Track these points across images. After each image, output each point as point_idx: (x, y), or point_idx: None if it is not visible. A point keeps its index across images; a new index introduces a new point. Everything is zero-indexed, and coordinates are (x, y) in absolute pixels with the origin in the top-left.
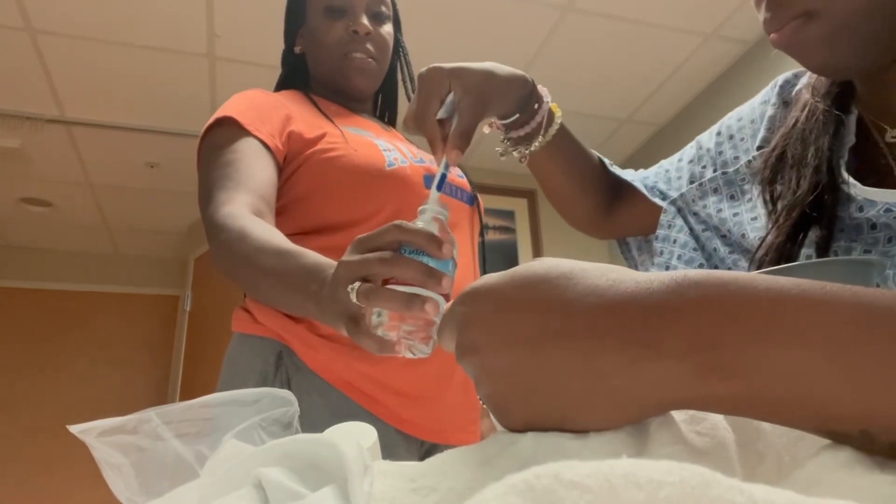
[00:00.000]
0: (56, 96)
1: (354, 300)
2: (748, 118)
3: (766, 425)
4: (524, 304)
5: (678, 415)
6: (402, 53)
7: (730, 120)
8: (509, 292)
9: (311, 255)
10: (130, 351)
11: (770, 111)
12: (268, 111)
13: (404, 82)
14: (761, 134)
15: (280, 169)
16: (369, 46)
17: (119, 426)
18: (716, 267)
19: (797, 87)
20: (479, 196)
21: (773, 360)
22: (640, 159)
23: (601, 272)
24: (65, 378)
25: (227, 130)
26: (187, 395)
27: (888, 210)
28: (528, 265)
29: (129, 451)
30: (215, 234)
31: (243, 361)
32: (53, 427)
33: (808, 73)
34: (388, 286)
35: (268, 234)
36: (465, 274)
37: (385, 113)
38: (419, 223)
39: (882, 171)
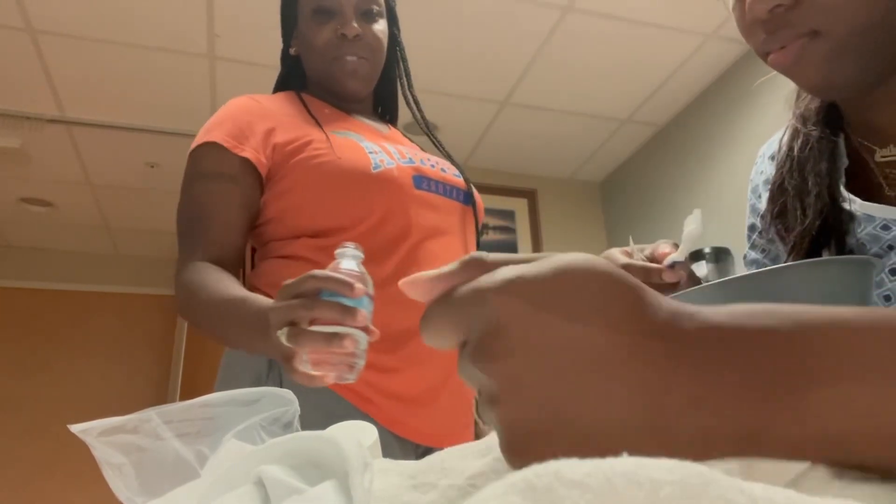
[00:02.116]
0: (56, 96)
1: (285, 342)
2: (754, 194)
3: None
4: (582, 309)
5: None
6: (398, 49)
7: (749, 199)
8: (561, 289)
9: (258, 301)
10: (131, 351)
11: (763, 177)
12: (251, 125)
13: (400, 79)
14: (765, 196)
15: (265, 182)
16: (359, 48)
17: (119, 426)
18: None
19: (777, 139)
20: (478, 195)
21: (848, 398)
22: (640, 159)
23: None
24: (65, 378)
25: (209, 154)
26: (187, 394)
27: (885, 227)
28: (569, 260)
29: (130, 451)
30: (178, 294)
31: (238, 365)
32: (54, 427)
33: (786, 126)
34: (312, 327)
35: (221, 285)
36: None
37: (386, 112)
38: (340, 264)
39: (873, 189)
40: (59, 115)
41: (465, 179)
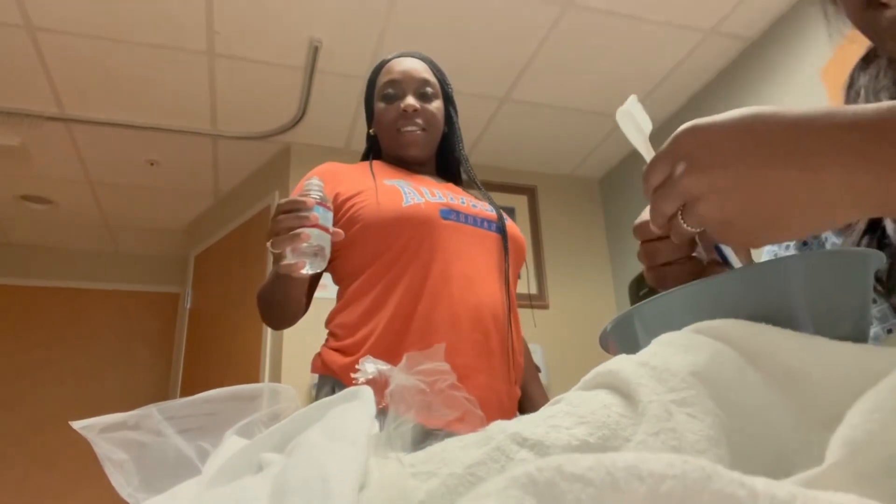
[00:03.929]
0: (56, 94)
1: (271, 250)
2: None
3: (761, 413)
4: (746, 132)
5: (668, 395)
6: (452, 122)
7: None
8: (731, 124)
9: None
10: (131, 348)
11: None
12: (324, 180)
13: (452, 144)
14: None
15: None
16: (418, 120)
17: (121, 422)
18: None
19: None
20: (516, 230)
21: None
22: (640, 158)
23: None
24: (66, 375)
25: None
26: (188, 392)
27: None
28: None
29: (131, 447)
30: (259, 293)
31: (318, 395)
32: (55, 423)
33: None
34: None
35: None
36: (492, 294)
37: (449, 174)
38: (309, 192)
39: None
40: (58, 113)
41: (499, 215)
